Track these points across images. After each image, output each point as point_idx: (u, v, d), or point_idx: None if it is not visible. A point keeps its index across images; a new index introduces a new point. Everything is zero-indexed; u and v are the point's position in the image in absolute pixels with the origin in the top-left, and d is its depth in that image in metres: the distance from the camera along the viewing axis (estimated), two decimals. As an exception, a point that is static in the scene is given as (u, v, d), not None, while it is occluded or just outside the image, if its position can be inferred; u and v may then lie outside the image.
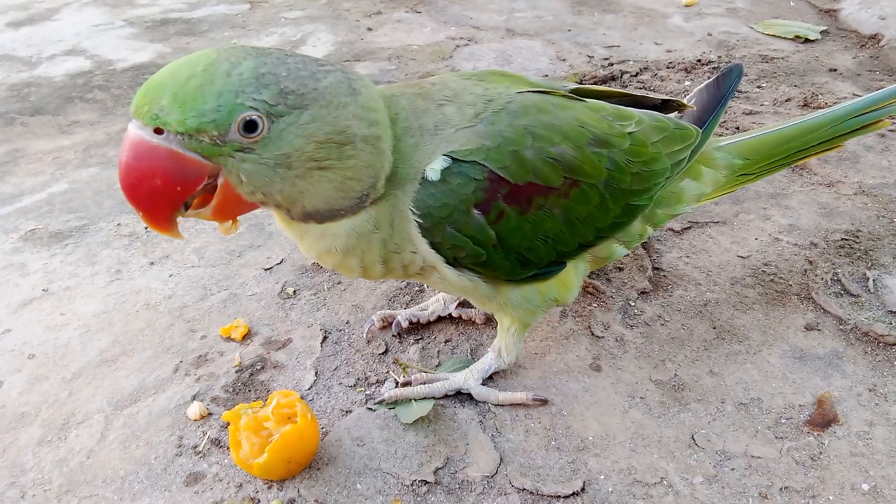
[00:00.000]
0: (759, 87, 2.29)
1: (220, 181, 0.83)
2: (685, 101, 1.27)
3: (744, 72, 1.33)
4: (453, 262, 1.00)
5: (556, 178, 1.00)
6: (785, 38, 2.71)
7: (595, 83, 2.31)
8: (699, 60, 2.47)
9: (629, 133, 1.09)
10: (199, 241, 1.61)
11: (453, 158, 0.95)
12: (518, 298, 1.10)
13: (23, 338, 1.35)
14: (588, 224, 1.06)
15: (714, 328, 1.32)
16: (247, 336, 1.34)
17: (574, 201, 1.02)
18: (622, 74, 2.38)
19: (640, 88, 2.29)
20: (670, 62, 2.48)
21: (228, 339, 1.33)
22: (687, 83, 2.30)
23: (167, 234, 0.86)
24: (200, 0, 3.31)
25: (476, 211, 0.96)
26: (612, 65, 2.47)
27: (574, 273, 1.14)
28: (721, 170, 1.27)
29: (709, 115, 1.26)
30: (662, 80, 2.33)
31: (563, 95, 1.09)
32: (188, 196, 0.82)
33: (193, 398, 1.20)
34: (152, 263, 1.54)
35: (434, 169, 0.94)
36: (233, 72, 0.78)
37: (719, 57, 2.51)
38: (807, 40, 2.68)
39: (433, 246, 0.97)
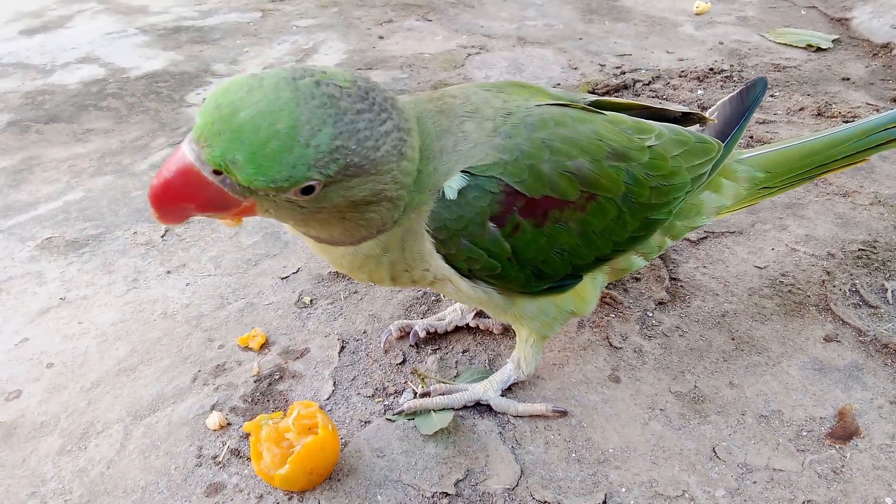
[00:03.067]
0: (772, 96, 2.28)
1: (245, 204, 0.82)
2: (707, 113, 1.26)
3: (768, 85, 1.32)
4: (468, 274, 1.00)
5: (573, 191, 0.99)
6: (797, 46, 2.71)
7: (607, 92, 2.32)
8: (711, 69, 2.47)
9: (649, 146, 1.09)
10: (216, 250, 1.61)
11: (471, 174, 0.95)
12: (534, 310, 1.10)
13: (41, 347, 1.35)
14: (605, 238, 1.05)
15: (733, 339, 1.32)
16: (264, 346, 1.34)
17: (591, 215, 1.02)
18: (634, 83, 2.38)
19: (653, 97, 2.29)
20: (682, 71, 2.47)
21: (246, 348, 1.33)
22: (700, 92, 2.30)
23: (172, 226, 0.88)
24: (212, 8, 3.33)
25: (491, 224, 0.96)
26: (624, 73, 2.47)
27: (591, 285, 1.14)
28: (742, 183, 1.27)
29: (731, 128, 1.25)
30: (675, 89, 2.33)
31: (583, 108, 1.09)
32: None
33: (212, 408, 1.20)
34: (169, 272, 1.54)
35: (451, 187, 0.94)
36: (311, 142, 0.76)
37: (732, 66, 2.50)
38: (819, 49, 2.68)
39: (448, 259, 0.97)
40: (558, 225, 0.99)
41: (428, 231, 0.95)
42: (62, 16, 3.26)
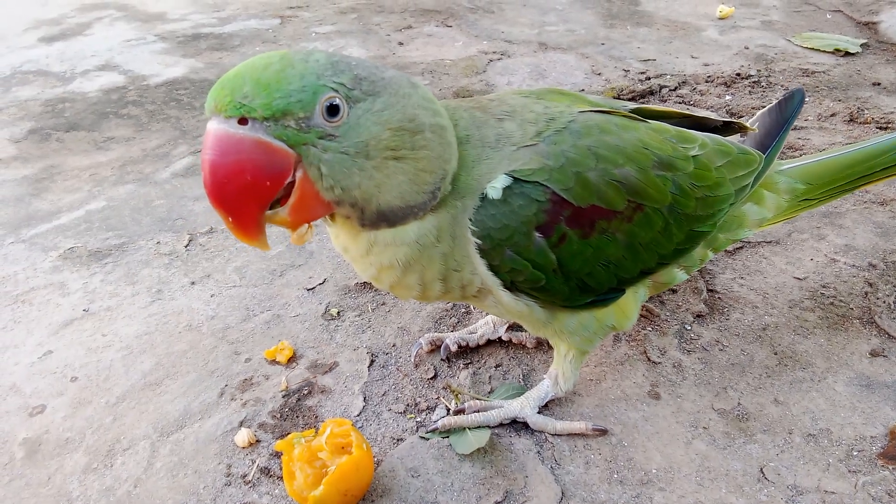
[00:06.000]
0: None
1: (298, 176, 0.79)
2: (748, 123, 1.23)
3: (805, 97, 1.28)
4: (510, 286, 0.97)
5: (620, 201, 0.96)
6: (824, 51, 2.66)
7: (633, 98, 2.28)
8: (738, 74, 2.42)
9: (693, 156, 1.05)
10: (240, 260, 1.58)
11: (515, 178, 0.92)
12: (574, 325, 1.06)
13: (65, 360, 1.32)
14: (651, 250, 1.02)
15: (775, 354, 1.28)
16: (292, 359, 1.31)
17: (637, 226, 0.99)
18: (661, 89, 2.33)
19: (680, 103, 2.25)
20: (709, 76, 2.43)
21: (273, 361, 1.30)
22: (728, 97, 2.26)
23: (254, 243, 0.82)
24: (231, 15, 3.32)
25: (537, 234, 0.93)
26: (650, 79, 2.43)
27: (633, 299, 1.10)
28: (783, 194, 1.23)
29: (771, 139, 1.22)
30: (702, 95, 2.28)
31: (625, 115, 1.06)
32: (275, 193, 0.79)
33: (241, 424, 1.17)
34: (193, 283, 1.52)
35: (496, 187, 0.91)
36: (309, 59, 0.79)
37: (759, 71, 2.46)
38: (847, 53, 2.63)
39: (491, 268, 0.94)
40: (605, 236, 0.96)
41: (472, 233, 0.91)
42: (81, 23, 3.26)
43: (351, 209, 0.85)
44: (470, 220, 0.92)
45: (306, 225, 0.87)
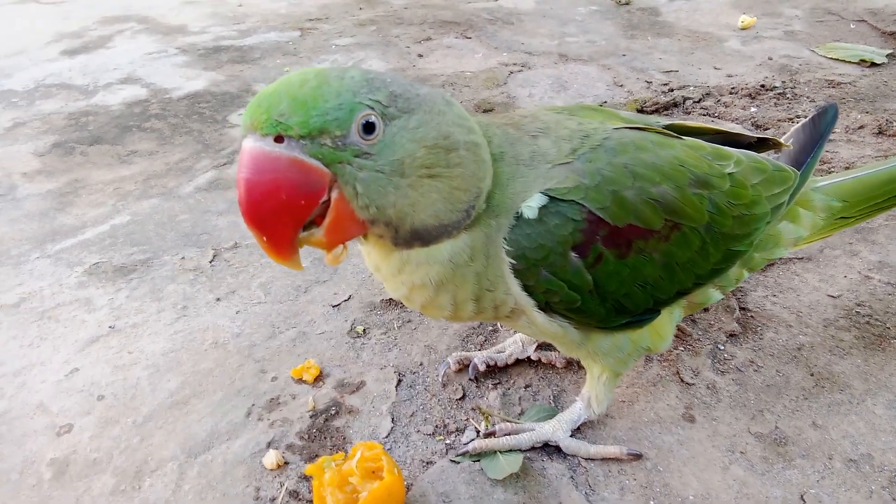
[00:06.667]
0: (829, 113, 2.20)
1: (333, 195, 0.78)
2: (783, 139, 1.20)
3: (838, 112, 1.26)
4: (545, 307, 0.95)
5: (657, 220, 0.94)
6: (849, 62, 2.63)
7: (657, 110, 2.26)
8: (763, 86, 2.40)
9: (729, 174, 1.03)
10: (265, 276, 1.58)
11: (551, 197, 0.90)
12: (608, 346, 1.04)
13: (91, 377, 1.32)
14: (688, 270, 1.00)
15: (811, 375, 1.25)
16: (318, 378, 1.30)
17: (675, 246, 0.97)
18: (684, 101, 2.31)
19: (704, 115, 2.23)
20: (733, 88, 2.41)
21: (300, 380, 1.29)
22: (753, 109, 2.23)
23: (287, 263, 0.81)
24: (251, 27, 3.33)
25: (573, 254, 0.91)
26: (673, 90, 2.41)
27: (668, 320, 1.08)
28: (819, 212, 1.21)
29: (805, 155, 1.20)
30: (727, 107, 2.26)
31: (659, 132, 1.04)
32: (310, 212, 0.78)
33: (269, 445, 1.16)
34: (218, 299, 1.51)
35: (531, 206, 0.90)
36: (345, 76, 0.79)
37: (783, 82, 2.43)
38: (873, 64, 2.60)
39: (525, 289, 0.92)
40: (642, 256, 0.94)
41: (507, 252, 0.90)
42: (102, 36, 3.28)
43: (385, 228, 0.84)
44: (504, 239, 0.90)
45: (341, 245, 0.86)
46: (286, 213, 0.77)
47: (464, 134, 0.85)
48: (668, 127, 1.10)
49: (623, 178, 0.93)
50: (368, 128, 0.77)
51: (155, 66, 2.87)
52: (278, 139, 0.74)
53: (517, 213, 0.90)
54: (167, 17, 3.55)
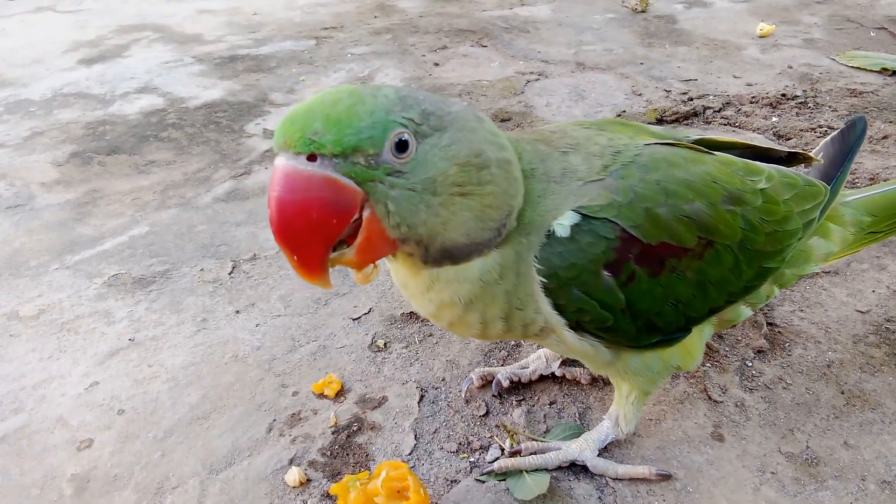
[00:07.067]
0: (851, 123, 2.18)
1: (364, 214, 0.78)
2: (813, 153, 1.19)
3: (867, 125, 1.24)
4: (575, 326, 0.93)
5: (691, 238, 0.92)
6: (871, 70, 2.60)
7: (677, 119, 2.24)
8: (784, 95, 2.37)
9: (761, 189, 1.02)
10: (284, 288, 1.56)
11: (583, 214, 0.88)
12: (638, 365, 1.02)
13: (111, 391, 1.31)
14: (721, 288, 0.98)
15: (842, 393, 1.22)
16: (340, 393, 1.28)
17: (708, 263, 0.95)
18: (704, 110, 2.29)
19: (725, 125, 2.20)
20: (753, 97, 2.38)
21: (321, 395, 1.28)
22: (774, 119, 2.21)
23: (317, 282, 0.80)
24: (266, 36, 3.33)
25: (606, 272, 0.89)
26: (692, 100, 2.39)
27: (698, 338, 1.06)
28: (849, 227, 1.19)
29: (835, 169, 1.18)
30: (748, 116, 2.24)
31: (690, 147, 1.02)
32: (342, 231, 0.77)
33: (291, 462, 1.15)
34: (238, 312, 1.50)
35: (563, 224, 0.88)
36: (378, 94, 0.78)
37: (805, 91, 2.40)
38: (894, 73, 2.57)
39: (556, 308, 0.91)
40: (675, 274, 0.92)
41: (538, 271, 0.88)
42: (119, 45, 3.29)
43: (416, 246, 0.82)
44: (535, 257, 0.89)
45: (372, 264, 0.85)
46: (318, 232, 0.76)
47: (496, 151, 0.84)
48: (697, 142, 1.08)
49: (656, 195, 0.91)
50: (401, 146, 0.76)
51: (171, 76, 2.88)
52: (311, 158, 0.74)
53: (549, 230, 0.88)
54: (183, 25, 3.57)
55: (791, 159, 1.17)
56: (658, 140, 1.02)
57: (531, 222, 0.89)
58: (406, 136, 0.76)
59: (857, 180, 1.84)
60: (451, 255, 0.85)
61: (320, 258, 0.78)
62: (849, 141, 1.22)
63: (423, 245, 0.82)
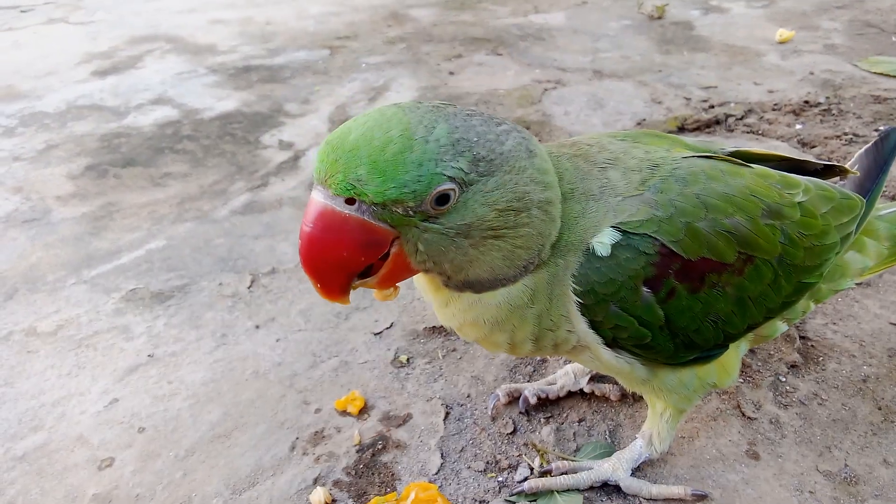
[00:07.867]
0: (876, 130, 2.14)
1: (392, 249, 0.78)
2: (848, 165, 1.15)
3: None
4: (612, 343, 0.91)
5: (731, 253, 0.90)
6: (894, 76, 2.56)
7: (698, 127, 2.21)
8: (806, 101, 2.34)
9: (799, 203, 0.99)
10: (304, 303, 1.54)
11: (623, 231, 0.86)
12: (674, 383, 0.99)
13: (131, 408, 1.29)
14: (760, 304, 0.95)
15: (879, 409, 1.19)
16: (363, 410, 1.26)
17: (748, 279, 0.92)
18: (727, 118, 2.26)
19: (748, 133, 2.17)
20: (775, 104, 2.35)
21: (344, 412, 1.25)
22: (798, 126, 2.18)
23: (336, 301, 0.81)
24: (279, 46, 3.33)
25: (645, 288, 0.87)
26: (713, 107, 2.36)
27: (735, 355, 1.03)
28: (884, 241, 1.16)
29: (870, 182, 1.15)
30: (770, 124, 2.20)
31: (726, 160, 1.00)
32: (367, 265, 0.78)
33: (315, 482, 1.12)
34: (258, 327, 1.48)
35: (603, 243, 0.86)
36: (430, 137, 0.74)
37: (828, 98, 2.37)
38: (917, 78, 2.53)
39: (592, 325, 0.88)
40: (715, 290, 0.89)
41: (574, 289, 0.86)
42: (132, 56, 3.29)
43: (438, 275, 0.83)
44: (573, 275, 0.86)
45: (392, 287, 0.86)
46: (344, 268, 0.78)
47: (539, 192, 0.81)
48: (732, 154, 1.05)
49: (696, 209, 0.89)
50: (442, 200, 0.75)
51: (185, 87, 2.87)
52: (349, 201, 0.73)
53: (586, 248, 0.86)
54: (195, 36, 3.56)
55: (826, 171, 1.14)
56: (694, 153, 0.99)
57: (568, 244, 0.87)
58: (450, 192, 0.74)
59: (886, 191, 1.81)
60: (472, 287, 0.85)
61: (341, 287, 0.80)
62: (883, 152, 1.19)
63: (445, 275, 0.82)
